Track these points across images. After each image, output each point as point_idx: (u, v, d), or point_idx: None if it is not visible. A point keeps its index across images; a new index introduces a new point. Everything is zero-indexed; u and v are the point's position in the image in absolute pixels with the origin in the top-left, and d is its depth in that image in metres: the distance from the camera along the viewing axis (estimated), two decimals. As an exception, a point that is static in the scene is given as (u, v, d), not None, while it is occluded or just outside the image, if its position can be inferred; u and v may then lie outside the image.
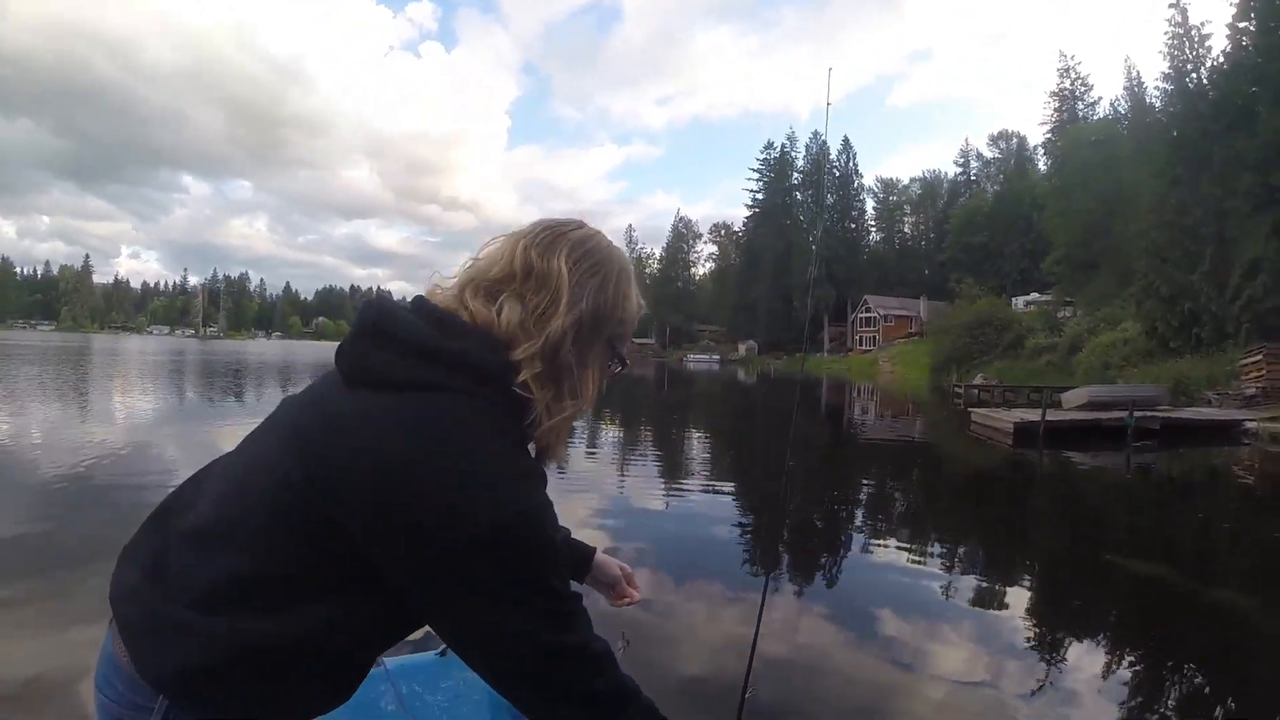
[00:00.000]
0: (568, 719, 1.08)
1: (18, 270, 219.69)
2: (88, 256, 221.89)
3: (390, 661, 2.15)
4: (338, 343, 1.13)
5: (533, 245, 1.15)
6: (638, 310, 1.24)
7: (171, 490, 1.22)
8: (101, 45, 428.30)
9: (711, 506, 10.02)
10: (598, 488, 10.58)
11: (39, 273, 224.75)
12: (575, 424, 1.22)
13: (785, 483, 6.57)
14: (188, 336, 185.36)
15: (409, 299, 1.19)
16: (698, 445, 18.37)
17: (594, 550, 1.67)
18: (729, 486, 11.85)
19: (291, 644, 1.03)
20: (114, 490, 9.21)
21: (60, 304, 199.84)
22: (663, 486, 11.29)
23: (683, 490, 11.13)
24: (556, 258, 1.13)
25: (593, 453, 14.04)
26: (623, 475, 11.97)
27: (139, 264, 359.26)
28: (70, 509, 8.24)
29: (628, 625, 4.80)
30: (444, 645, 2.22)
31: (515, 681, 1.06)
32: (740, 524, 9.22)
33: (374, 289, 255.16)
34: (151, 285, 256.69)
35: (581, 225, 1.21)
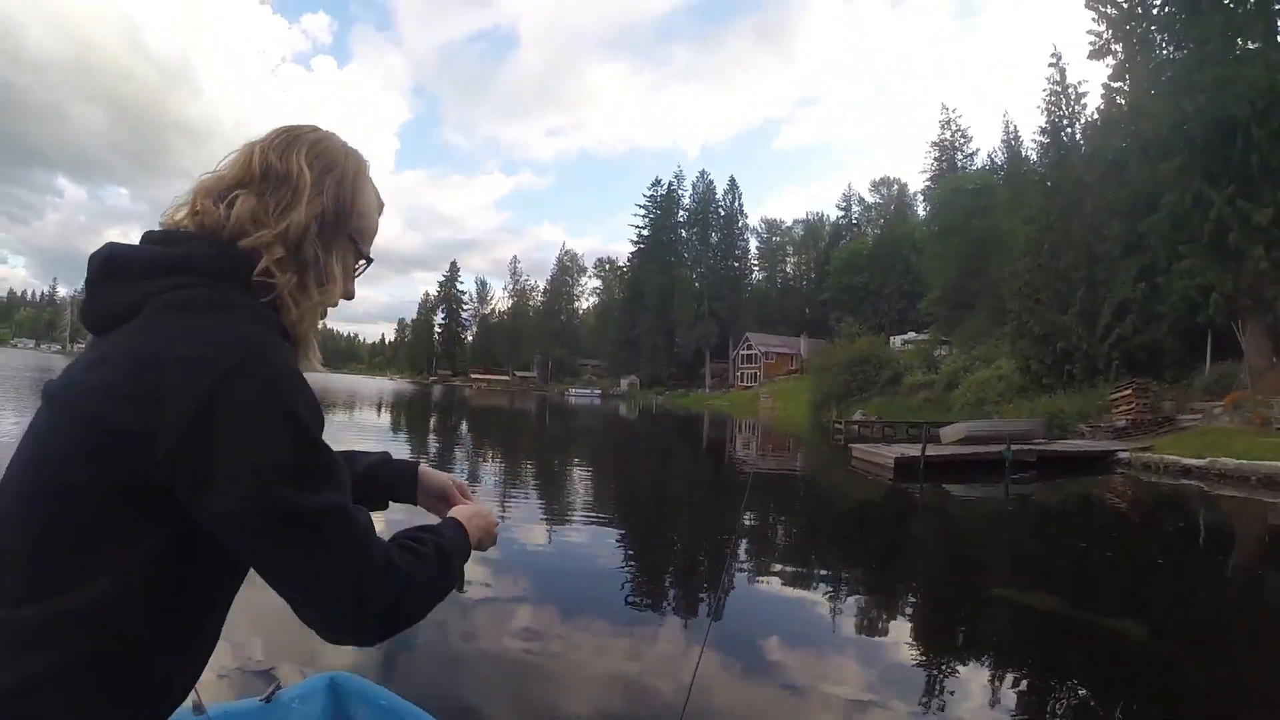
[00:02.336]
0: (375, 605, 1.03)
1: None
2: None
3: (213, 709, 1.95)
4: None
5: (270, 147, 1.15)
6: (378, 207, 1.28)
7: None
8: None
9: (596, 541, 9.78)
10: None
11: None
12: (321, 318, 1.23)
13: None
14: (54, 351, 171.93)
15: None
16: (580, 481, 17.64)
17: (417, 463, 1.56)
18: (611, 521, 11.53)
19: (109, 624, 0.96)
20: None
21: None
22: (544, 522, 10.86)
23: (566, 526, 10.75)
24: (295, 156, 1.14)
25: (472, 487, 13.29)
26: (503, 512, 11.25)
27: (5, 270, 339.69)
28: None
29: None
30: (269, 691, 2.13)
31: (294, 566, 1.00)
32: (630, 558, 9.04)
33: None
34: (18, 294, 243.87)
35: (316, 129, 1.21)
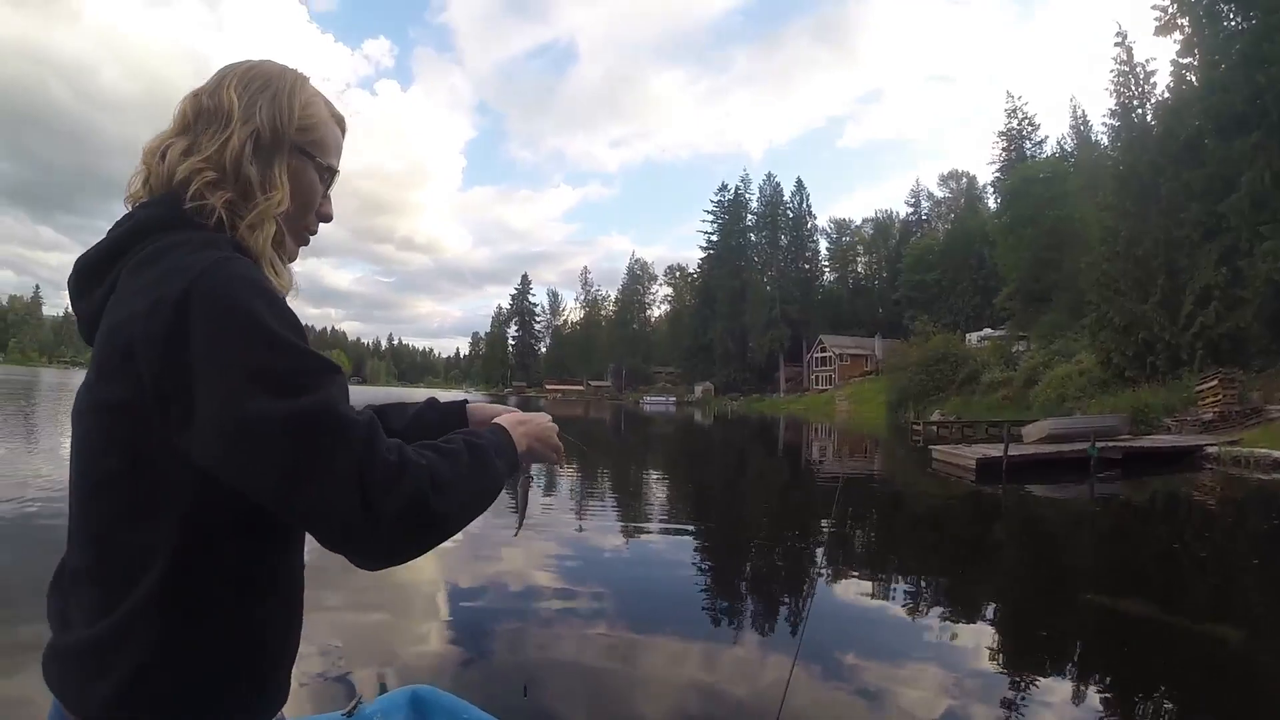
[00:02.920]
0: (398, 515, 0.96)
1: None
2: (38, 287, 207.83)
3: None
4: None
5: (202, 90, 1.16)
6: (332, 119, 1.25)
7: None
8: (54, 69, 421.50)
9: (676, 549, 9.66)
10: (555, 532, 10.05)
11: None
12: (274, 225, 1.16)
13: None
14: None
15: None
16: (657, 489, 17.54)
17: (463, 402, 1.53)
18: (690, 529, 11.37)
19: (177, 611, 1.01)
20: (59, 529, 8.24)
21: (8, 335, 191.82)
22: (623, 531, 10.75)
23: (645, 534, 10.61)
24: (224, 90, 1.14)
25: (547, 504, 13.17)
26: (581, 521, 11.31)
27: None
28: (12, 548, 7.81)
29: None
30: (351, 705, 2.07)
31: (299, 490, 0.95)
32: (709, 570, 8.76)
33: (328, 329, 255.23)
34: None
35: (250, 61, 1.21)
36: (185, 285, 0.95)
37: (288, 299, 1.16)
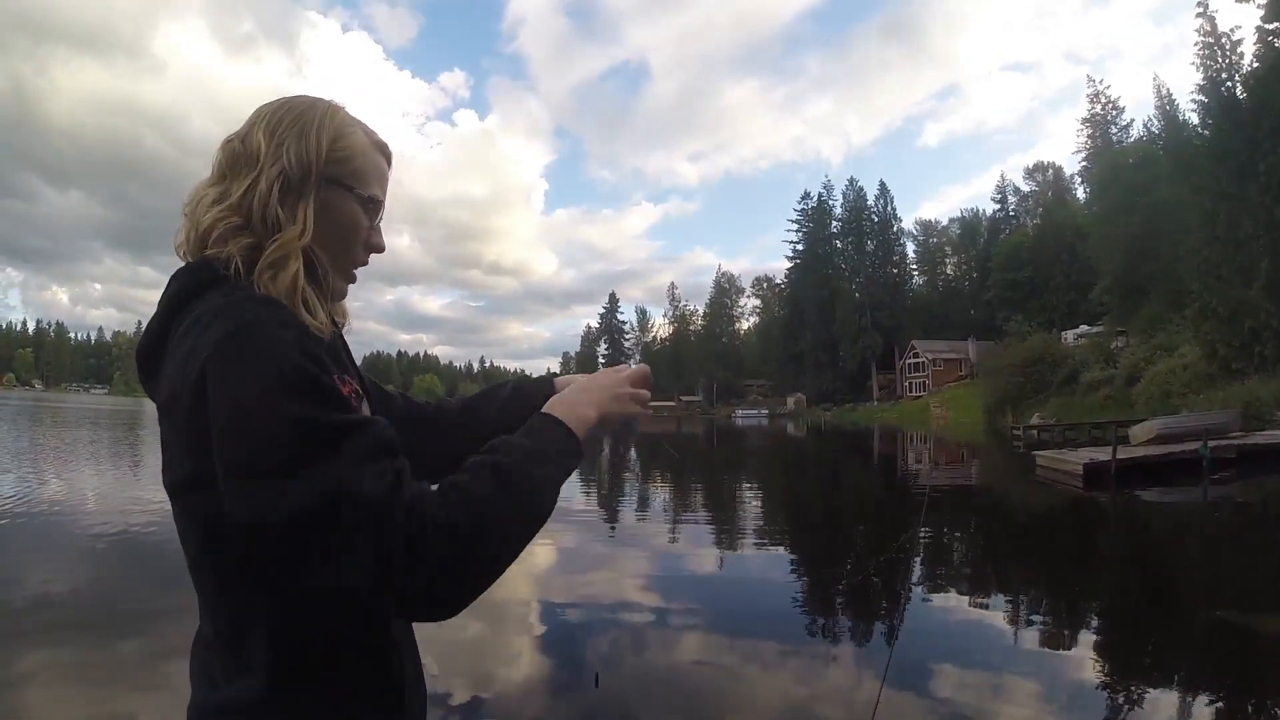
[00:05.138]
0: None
1: (72, 335, 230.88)
2: (140, 323, 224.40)
3: None
4: None
5: (234, 137, 1.14)
6: (369, 145, 1.21)
7: None
8: (147, 120, 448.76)
9: (769, 563, 9.89)
10: (648, 546, 10.57)
11: (92, 338, 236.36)
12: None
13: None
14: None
15: None
16: (751, 502, 17.52)
17: (550, 377, 1.50)
18: (783, 542, 11.71)
19: (292, 680, 1.01)
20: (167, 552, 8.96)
21: (113, 369, 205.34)
22: (716, 544, 11.05)
23: (738, 548, 10.86)
24: (254, 134, 1.12)
25: (642, 515, 13.81)
26: (674, 535, 11.70)
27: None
28: (124, 570, 8.54)
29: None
30: None
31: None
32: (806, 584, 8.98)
33: (420, 354, 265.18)
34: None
35: (283, 98, 1.19)
36: (197, 374, 0.93)
37: (344, 327, 1.25)
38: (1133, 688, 5.45)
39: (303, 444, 0.91)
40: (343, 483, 0.90)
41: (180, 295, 1.05)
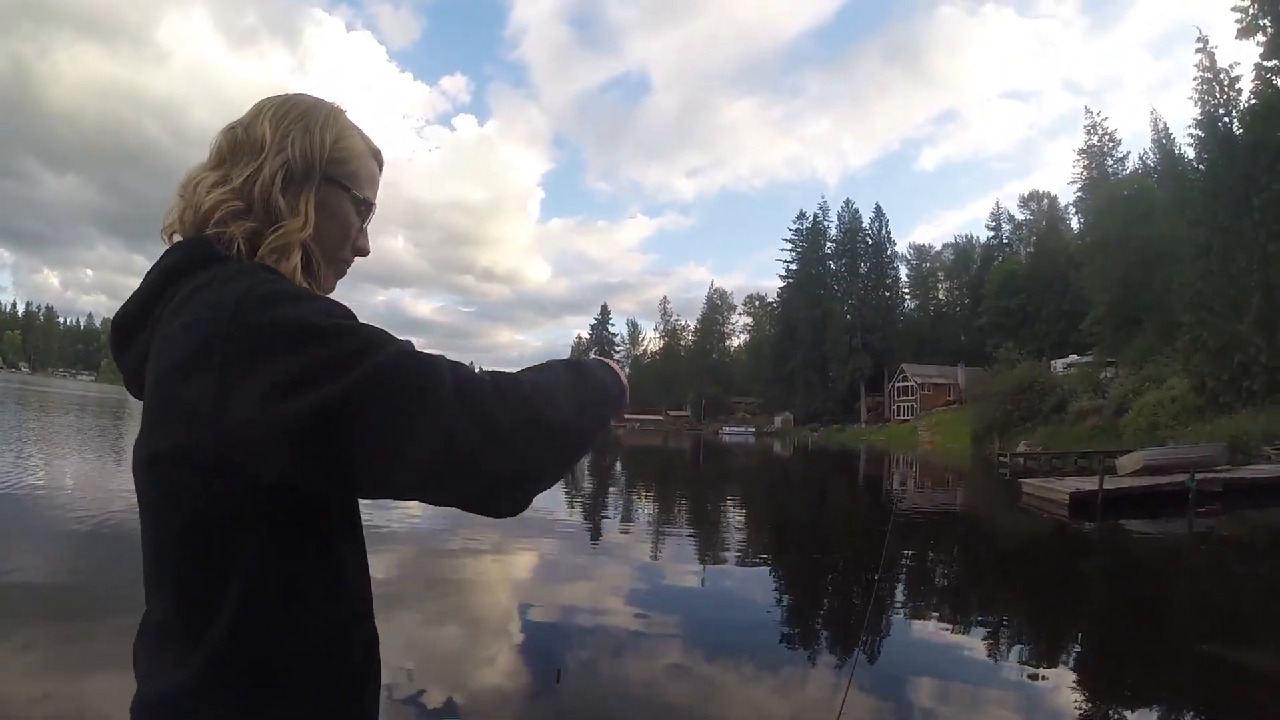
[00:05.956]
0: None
1: (61, 320, 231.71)
2: None
3: None
4: None
5: (238, 123, 1.15)
6: (366, 150, 1.24)
7: None
8: (148, 108, 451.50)
9: (748, 581, 10.01)
10: (629, 559, 10.69)
11: (81, 324, 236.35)
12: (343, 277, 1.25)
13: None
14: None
15: None
16: (733, 520, 17.58)
17: None
18: (763, 560, 11.83)
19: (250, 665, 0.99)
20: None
21: (101, 355, 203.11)
22: (696, 560, 11.14)
23: (718, 565, 10.99)
24: (259, 123, 1.13)
25: (626, 529, 13.85)
26: (656, 551, 11.71)
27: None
28: (100, 558, 8.56)
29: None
30: None
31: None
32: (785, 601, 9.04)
33: None
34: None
35: (286, 95, 1.20)
36: (219, 328, 0.90)
37: None
38: (1110, 715, 5.50)
39: (365, 337, 0.91)
40: (409, 349, 0.92)
41: (176, 268, 1.04)
